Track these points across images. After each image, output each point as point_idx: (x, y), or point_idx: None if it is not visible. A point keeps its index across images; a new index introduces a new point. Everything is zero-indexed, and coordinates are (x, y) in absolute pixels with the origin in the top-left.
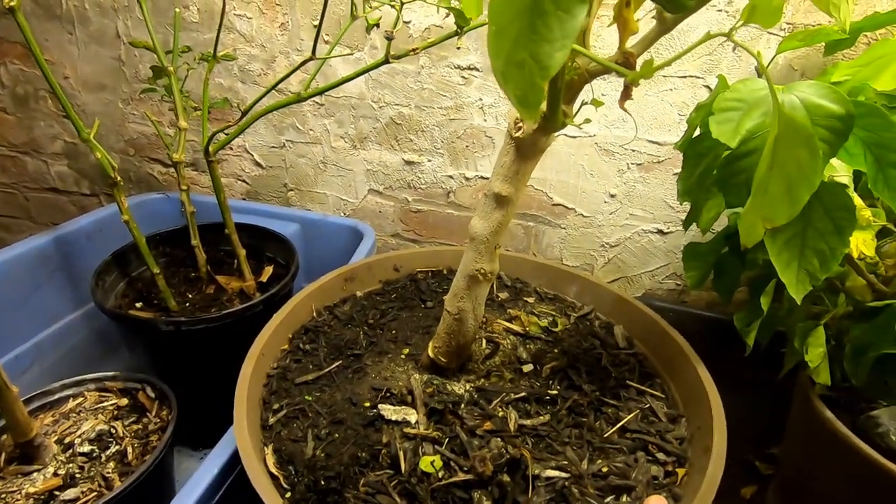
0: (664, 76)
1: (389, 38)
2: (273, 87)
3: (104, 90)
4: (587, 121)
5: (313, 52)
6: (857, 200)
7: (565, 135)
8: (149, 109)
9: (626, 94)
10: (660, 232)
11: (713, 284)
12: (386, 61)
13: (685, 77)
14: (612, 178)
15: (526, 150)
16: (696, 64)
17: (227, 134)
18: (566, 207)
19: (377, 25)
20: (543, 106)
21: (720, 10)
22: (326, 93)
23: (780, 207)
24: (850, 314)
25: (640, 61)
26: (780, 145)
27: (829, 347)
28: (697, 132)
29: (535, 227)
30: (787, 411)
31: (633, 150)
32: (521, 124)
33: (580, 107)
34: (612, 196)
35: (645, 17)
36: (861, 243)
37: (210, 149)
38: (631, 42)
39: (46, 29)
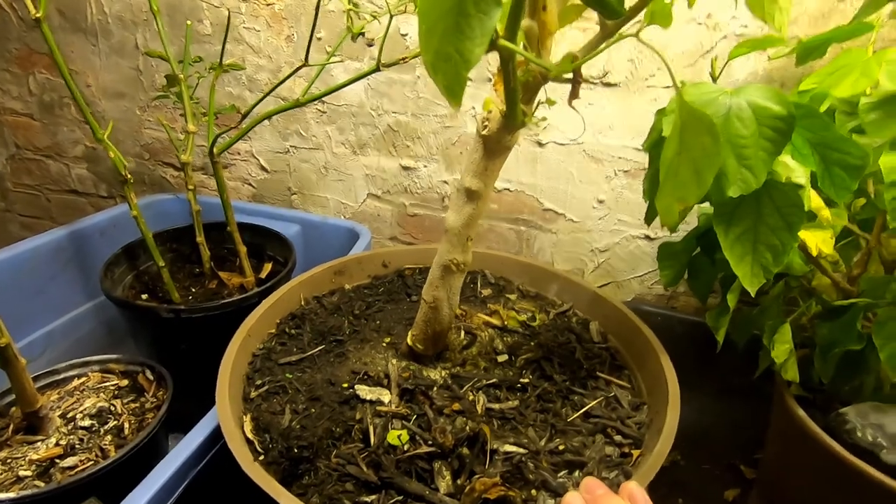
0: (649, 86)
1: (370, 45)
2: (270, 92)
3: (123, 98)
4: (544, 119)
5: (306, 58)
6: (817, 200)
7: (555, 142)
8: (162, 116)
9: (573, 94)
10: (647, 238)
11: (688, 284)
12: (377, 69)
13: (668, 87)
14: (600, 184)
15: (493, 147)
16: (679, 76)
17: (230, 136)
18: (556, 213)
19: (362, 34)
20: (501, 105)
21: (700, 24)
22: (328, 101)
23: (690, 189)
24: (819, 314)
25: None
26: (685, 133)
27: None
28: (661, 135)
29: (526, 231)
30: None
31: (620, 158)
32: (487, 123)
33: (537, 106)
34: (601, 202)
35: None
36: (820, 242)
37: (214, 150)
38: (577, 46)
39: (72, 41)
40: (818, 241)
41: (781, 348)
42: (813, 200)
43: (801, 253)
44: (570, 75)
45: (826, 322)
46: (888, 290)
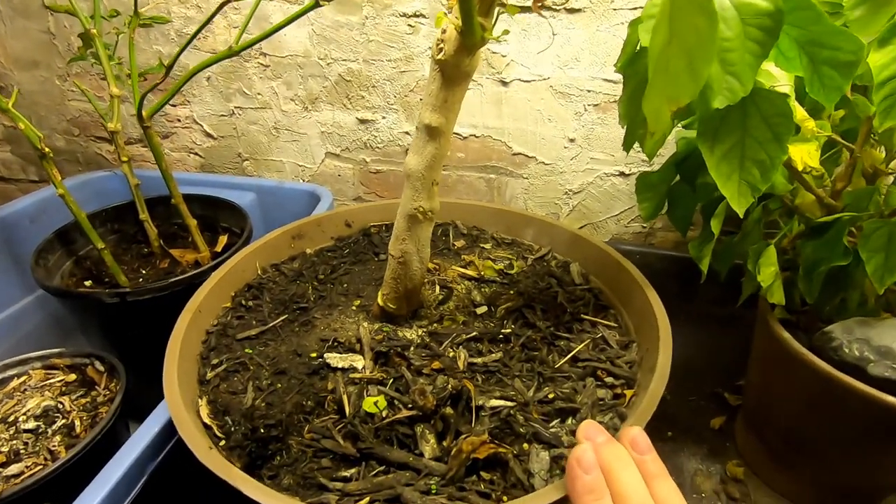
0: (615, 9)
1: None
2: (194, 36)
3: (38, 67)
4: (506, 32)
5: None
6: (801, 112)
7: (519, 79)
8: (84, 83)
9: None
10: (621, 174)
11: (668, 216)
12: (316, 4)
13: (636, 9)
14: (569, 121)
15: (451, 73)
16: None
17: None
18: (526, 156)
19: None
20: (456, 21)
21: None
22: (270, 53)
23: (684, 84)
24: (803, 233)
25: None
26: (676, 16)
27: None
28: (637, 50)
29: (496, 179)
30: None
31: (589, 91)
32: (442, 45)
33: (497, 16)
34: (572, 141)
35: None
36: (806, 155)
37: (144, 114)
38: None
39: None
40: (803, 154)
41: (767, 271)
42: (797, 112)
43: (785, 170)
44: None
45: (810, 240)
46: (871, 202)
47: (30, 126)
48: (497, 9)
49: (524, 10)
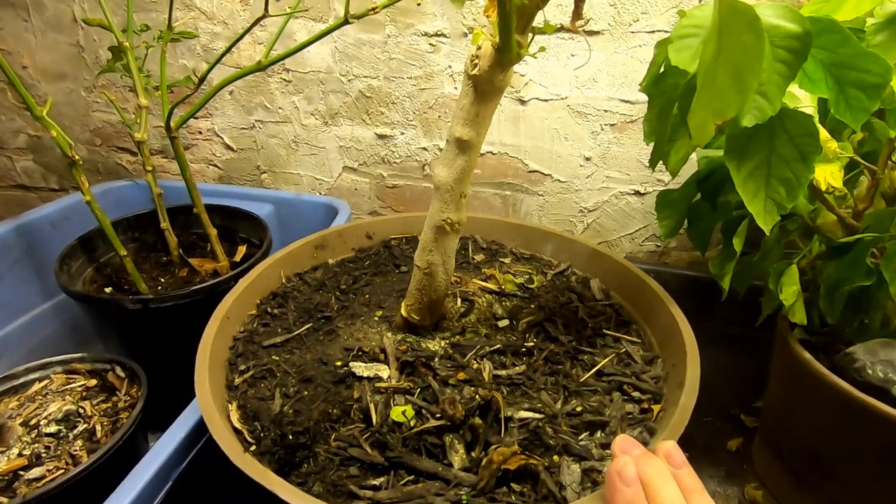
0: (633, 32)
1: None
2: (227, 51)
3: (65, 79)
4: (542, 49)
5: (265, 8)
6: (824, 133)
7: (537, 98)
8: (111, 94)
9: (577, 13)
10: (637, 193)
11: (687, 233)
12: (346, 22)
13: (653, 32)
14: (586, 140)
15: (484, 88)
16: (665, 18)
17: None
18: (542, 174)
19: None
20: (492, 38)
21: None
22: (293, 69)
23: (730, 98)
24: (824, 253)
25: None
26: (724, 33)
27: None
28: (662, 70)
29: (512, 195)
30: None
31: (606, 111)
32: (476, 61)
33: (532, 37)
34: (588, 159)
35: None
36: (829, 175)
37: (172, 124)
38: None
39: (0, 16)
40: (826, 174)
41: (790, 290)
42: (821, 132)
43: (807, 190)
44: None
45: (832, 261)
46: (892, 224)
47: (62, 133)
48: (533, 27)
49: (547, 25)
